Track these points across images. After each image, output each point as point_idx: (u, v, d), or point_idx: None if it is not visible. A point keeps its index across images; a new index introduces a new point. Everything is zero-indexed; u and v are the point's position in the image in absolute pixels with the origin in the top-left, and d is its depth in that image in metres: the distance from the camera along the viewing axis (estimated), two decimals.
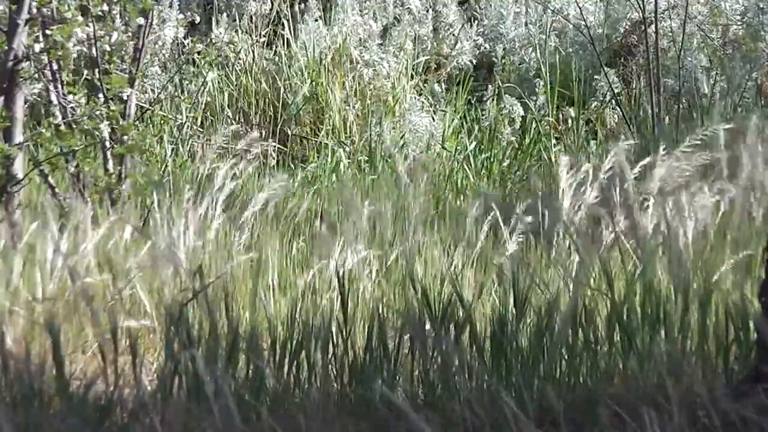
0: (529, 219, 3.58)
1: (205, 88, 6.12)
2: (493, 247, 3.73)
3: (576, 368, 2.65)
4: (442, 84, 6.78)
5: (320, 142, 6.09)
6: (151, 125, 4.68)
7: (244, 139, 5.33)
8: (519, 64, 6.90)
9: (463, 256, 3.76)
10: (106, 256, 3.44)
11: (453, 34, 7.16)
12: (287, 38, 6.63)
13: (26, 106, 4.28)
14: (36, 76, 4.24)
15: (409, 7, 7.22)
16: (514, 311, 2.73)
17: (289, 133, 6.20)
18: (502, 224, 3.60)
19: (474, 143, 6.05)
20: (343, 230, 3.40)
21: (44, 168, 4.20)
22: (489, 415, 2.41)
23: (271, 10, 6.95)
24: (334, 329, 2.73)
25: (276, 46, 6.64)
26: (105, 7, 4.30)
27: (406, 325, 2.72)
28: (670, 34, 6.44)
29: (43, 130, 4.19)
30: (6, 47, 3.99)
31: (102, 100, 4.29)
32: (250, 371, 2.61)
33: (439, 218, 4.28)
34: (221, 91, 6.31)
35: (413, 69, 6.75)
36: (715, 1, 6.64)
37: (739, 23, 6.48)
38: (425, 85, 6.77)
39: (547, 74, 6.49)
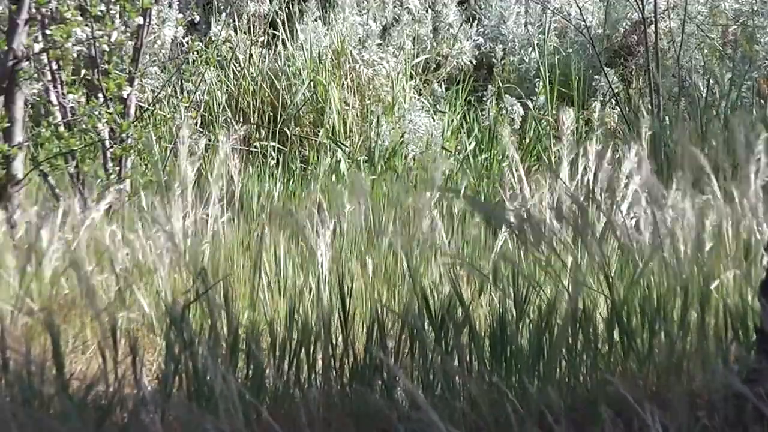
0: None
1: (203, 87, 6.12)
2: (491, 247, 3.74)
3: (576, 368, 2.65)
4: (442, 84, 6.78)
5: (320, 143, 6.09)
6: (150, 125, 4.68)
7: (241, 135, 5.34)
8: (519, 64, 6.91)
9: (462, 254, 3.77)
10: (104, 256, 3.44)
11: (453, 34, 7.16)
12: (286, 38, 6.63)
13: (26, 106, 4.28)
14: (36, 76, 4.24)
15: (408, 7, 7.22)
16: (513, 311, 2.73)
17: (289, 133, 6.20)
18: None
19: (474, 143, 6.05)
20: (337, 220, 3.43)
21: (44, 168, 4.20)
22: (490, 414, 2.41)
23: (270, 9, 6.95)
24: (333, 329, 2.73)
25: (275, 46, 6.64)
26: (103, 7, 4.31)
27: (405, 325, 2.72)
28: (670, 34, 6.44)
29: (43, 130, 4.20)
30: (6, 47, 3.99)
31: (101, 100, 4.30)
32: (250, 371, 2.61)
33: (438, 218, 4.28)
34: (219, 90, 6.31)
35: (413, 69, 6.75)
36: (715, 1, 6.65)
37: (735, 25, 6.48)
38: (425, 85, 6.77)
39: (548, 74, 6.49)
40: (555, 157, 5.41)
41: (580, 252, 2.91)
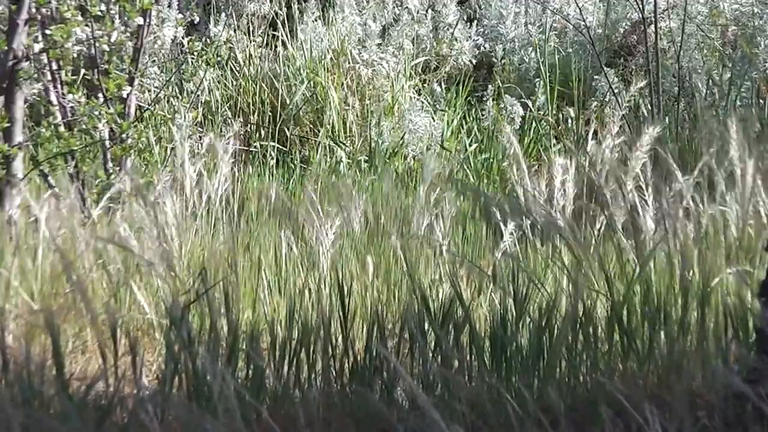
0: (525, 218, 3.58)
1: (203, 87, 6.12)
2: (491, 247, 3.74)
3: (576, 368, 2.65)
4: (442, 84, 6.78)
5: (319, 143, 6.09)
6: (150, 125, 4.68)
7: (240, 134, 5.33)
8: (519, 64, 6.91)
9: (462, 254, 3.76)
10: (103, 255, 3.44)
11: (452, 34, 7.16)
12: (286, 38, 6.63)
13: (26, 106, 4.27)
14: (36, 76, 4.24)
15: (408, 7, 7.22)
16: (513, 311, 2.73)
17: (288, 133, 6.20)
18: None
19: (474, 143, 6.05)
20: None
21: (44, 168, 4.20)
22: (490, 414, 2.41)
23: (270, 10, 6.95)
24: (333, 329, 2.73)
25: (275, 46, 6.64)
26: (103, 7, 4.30)
27: (405, 325, 2.72)
28: (670, 34, 6.44)
29: (43, 130, 4.20)
30: (6, 47, 3.99)
31: (101, 100, 4.30)
32: (250, 371, 2.61)
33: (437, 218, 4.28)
34: (218, 90, 6.31)
35: (412, 69, 6.75)
36: (714, 2, 6.64)
37: (735, 27, 6.48)
38: (425, 85, 6.77)
39: (547, 74, 6.49)
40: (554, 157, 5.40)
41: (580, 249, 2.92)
